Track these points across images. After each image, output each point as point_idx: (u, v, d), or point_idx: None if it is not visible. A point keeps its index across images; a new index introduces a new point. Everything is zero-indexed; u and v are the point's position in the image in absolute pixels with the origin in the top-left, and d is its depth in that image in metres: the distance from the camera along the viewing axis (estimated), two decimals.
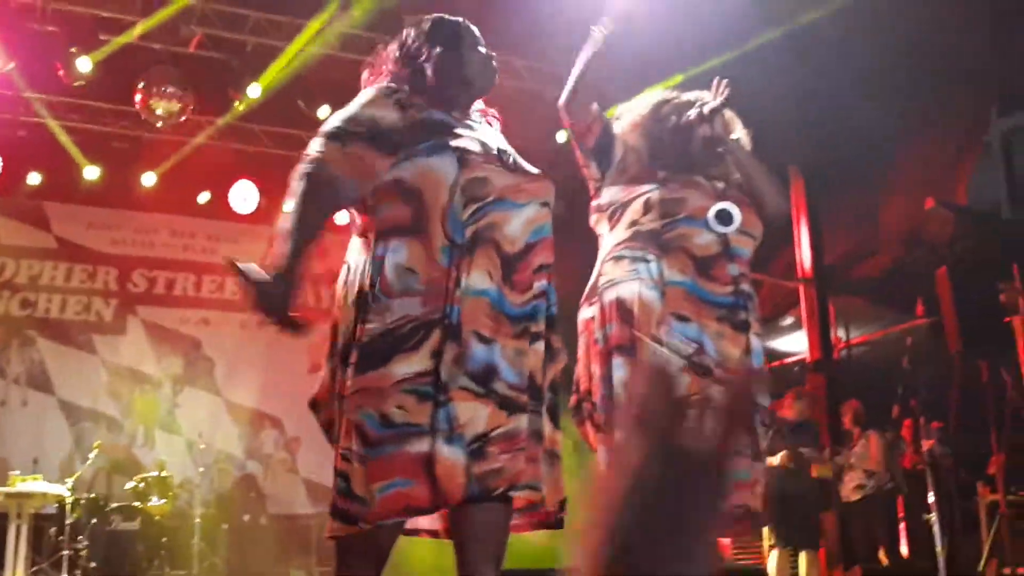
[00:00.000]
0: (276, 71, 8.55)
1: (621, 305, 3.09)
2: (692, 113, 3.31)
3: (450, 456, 2.35)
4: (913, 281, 7.96)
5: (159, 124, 8.95)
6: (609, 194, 3.27)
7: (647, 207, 3.17)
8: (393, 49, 2.84)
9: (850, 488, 7.80)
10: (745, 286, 3.17)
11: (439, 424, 2.36)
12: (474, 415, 2.39)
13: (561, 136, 8.94)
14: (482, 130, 2.74)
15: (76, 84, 8.45)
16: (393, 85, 2.70)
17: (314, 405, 2.59)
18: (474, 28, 2.87)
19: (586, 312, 3.20)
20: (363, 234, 2.60)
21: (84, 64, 8.09)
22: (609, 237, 3.23)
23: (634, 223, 3.18)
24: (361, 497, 2.37)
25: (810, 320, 9.14)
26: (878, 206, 8.68)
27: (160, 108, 8.75)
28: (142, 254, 11.17)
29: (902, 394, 8.02)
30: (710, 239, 3.15)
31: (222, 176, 10.51)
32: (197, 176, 10.53)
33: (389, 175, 2.53)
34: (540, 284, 2.56)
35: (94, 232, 10.95)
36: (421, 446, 2.36)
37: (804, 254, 9.14)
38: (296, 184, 2.52)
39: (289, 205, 2.52)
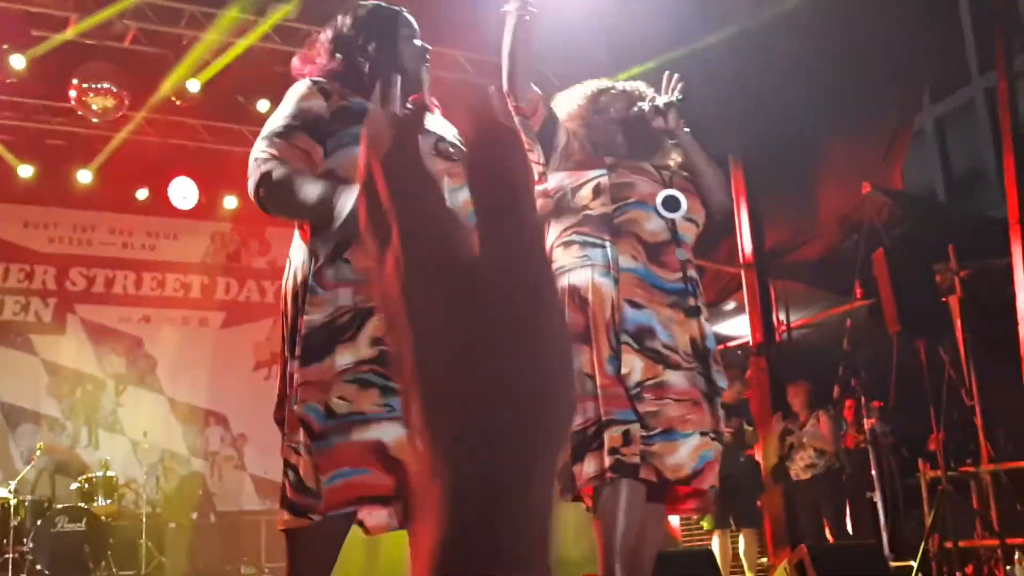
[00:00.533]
0: (215, 67, 8.48)
1: (574, 292, 3.10)
2: (644, 105, 3.33)
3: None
4: (851, 264, 8.08)
5: (95, 120, 8.83)
6: (555, 179, 3.26)
7: (597, 191, 3.18)
8: (326, 38, 2.81)
9: (800, 467, 7.91)
10: (692, 272, 3.21)
11: (399, 411, 2.33)
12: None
13: None
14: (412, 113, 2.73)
15: (8, 81, 8.30)
16: (320, 78, 2.68)
17: (279, 407, 2.55)
18: (410, 18, 2.85)
19: None
20: (301, 227, 2.60)
21: (18, 61, 7.96)
22: (556, 223, 3.24)
23: (584, 207, 3.18)
24: (310, 489, 2.38)
25: (752, 304, 9.25)
26: (816, 192, 8.80)
27: (96, 104, 8.64)
28: (80, 252, 11.01)
29: (843, 375, 8.16)
30: (659, 225, 3.17)
31: (160, 172, 10.39)
32: (134, 172, 10.40)
33: (323, 166, 2.53)
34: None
35: (30, 231, 10.78)
36: (368, 434, 2.35)
37: (745, 240, 9.25)
38: (262, 192, 2.49)
39: (273, 210, 2.53)
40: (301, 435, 2.40)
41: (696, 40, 7.47)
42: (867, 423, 7.85)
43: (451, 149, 2.63)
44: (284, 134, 2.54)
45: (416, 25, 2.85)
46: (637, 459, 2.96)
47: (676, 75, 3.37)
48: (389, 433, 2.35)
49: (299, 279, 2.51)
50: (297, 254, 2.57)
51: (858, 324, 8.21)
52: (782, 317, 9.44)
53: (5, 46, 7.83)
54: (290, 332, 2.50)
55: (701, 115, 3.44)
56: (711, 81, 7.66)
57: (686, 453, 3.03)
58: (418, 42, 2.82)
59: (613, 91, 3.41)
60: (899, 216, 8.26)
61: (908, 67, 7.84)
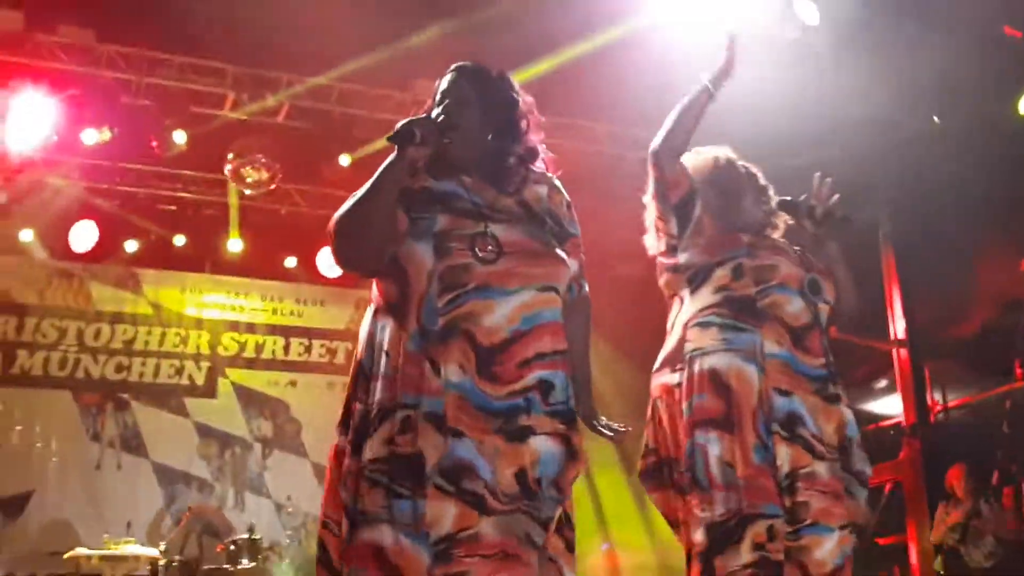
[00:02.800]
0: (370, 148, 8.70)
1: (715, 376, 2.99)
2: (801, 204, 3.23)
3: (412, 552, 2.25)
4: (1010, 343, 7.72)
5: (248, 192, 9.15)
6: (688, 255, 3.17)
7: (738, 272, 3.07)
8: (429, 100, 2.74)
9: (982, 555, 7.48)
10: (831, 357, 3.09)
11: (401, 517, 2.28)
12: (441, 514, 2.27)
13: (646, 197, 8.89)
14: (505, 203, 2.57)
15: (171, 154, 8.69)
16: None
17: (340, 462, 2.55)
18: (448, 76, 2.69)
19: (668, 377, 3.10)
20: (373, 302, 2.57)
21: (180, 137, 8.33)
22: (691, 301, 3.13)
23: (723, 288, 3.08)
24: (337, 571, 2.39)
25: (904, 383, 8.93)
26: (972, 267, 8.46)
27: (250, 176, 8.96)
28: (232, 318, 11.37)
29: (1002, 460, 7.75)
30: (801, 308, 3.07)
31: (309, 241, 10.68)
32: (285, 242, 10.72)
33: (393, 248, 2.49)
34: (530, 377, 2.39)
35: (187, 296, 11.19)
36: (372, 535, 2.30)
37: (897, 316, 8.97)
38: (334, 227, 2.50)
39: (345, 226, 2.50)
40: (337, 514, 2.42)
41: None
42: None
43: (489, 248, 2.44)
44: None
45: (445, 82, 2.69)
46: (782, 556, 2.84)
47: (829, 180, 3.27)
48: (387, 537, 2.28)
49: (357, 358, 2.51)
50: (364, 327, 2.55)
51: (1019, 406, 7.80)
52: (937, 397, 9.06)
53: (168, 122, 8.19)
54: (345, 406, 2.50)
55: (853, 183, 3.32)
56: (865, 151, 7.51)
57: (829, 548, 2.90)
58: (513, 112, 2.67)
59: (741, 163, 3.34)
60: None
61: None
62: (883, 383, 9.55)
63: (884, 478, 8.28)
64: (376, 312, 2.52)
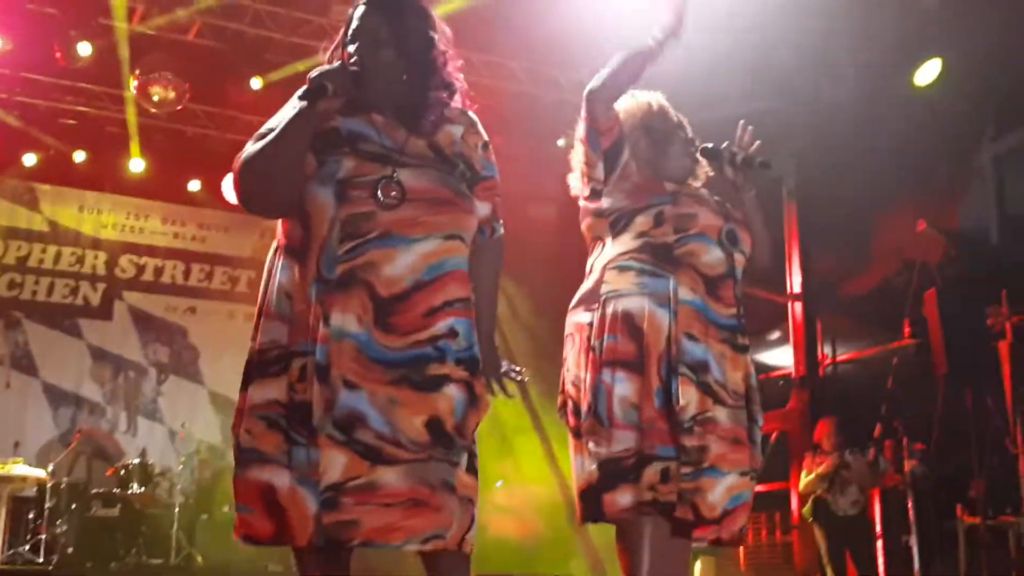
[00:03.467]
0: (282, 72, 8.54)
1: (628, 318, 3.01)
2: (723, 151, 3.26)
3: (301, 499, 2.26)
4: (901, 302, 7.96)
5: (155, 111, 8.92)
6: (611, 200, 3.16)
7: (659, 219, 3.08)
8: (341, 32, 2.63)
9: (847, 502, 7.77)
10: (742, 308, 3.15)
11: (296, 462, 2.28)
12: (331, 463, 2.25)
13: (561, 141, 8.93)
14: (415, 146, 2.48)
15: (76, 66, 8.41)
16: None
17: None
18: (359, 9, 2.57)
19: (581, 316, 3.13)
20: (276, 238, 2.51)
21: (84, 48, 8.06)
22: (612, 245, 3.14)
23: (643, 234, 3.09)
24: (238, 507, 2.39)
25: (797, 336, 9.17)
26: (869, 225, 8.68)
27: (157, 95, 8.73)
28: (132, 240, 11.13)
29: (886, 414, 8.03)
30: (717, 258, 3.10)
31: (215, 165, 10.48)
32: (190, 164, 10.51)
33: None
34: (440, 325, 2.36)
35: (84, 215, 10.92)
36: (261, 474, 2.30)
37: (794, 271, 9.17)
38: (238, 168, 2.42)
39: (248, 173, 2.41)
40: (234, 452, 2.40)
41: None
42: (907, 465, 7.71)
43: (393, 194, 2.37)
44: (263, 138, 2.42)
45: (356, 15, 2.57)
46: (673, 498, 2.91)
47: (751, 128, 3.31)
48: (281, 479, 2.28)
49: (260, 297, 2.47)
50: (267, 262, 2.50)
51: (905, 363, 8.07)
52: (827, 351, 9.33)
53: (73, 33, 7.91)
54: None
55: (760, 139, 3.36)
56: (771, 114, 7.63)
57: (720, 492, 2.98)
58: (356, 44, 2.53)
59: (674, 115, 3.36)
60: (953, 256, 8.12)
61: (974, 99, 7.72)
62: (776, 335, 9.80)
63: (772, 427, 8.53)
64: (277, 251, 2.47)
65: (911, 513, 7.65)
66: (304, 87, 2.36)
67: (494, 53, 8.53)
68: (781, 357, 9.64)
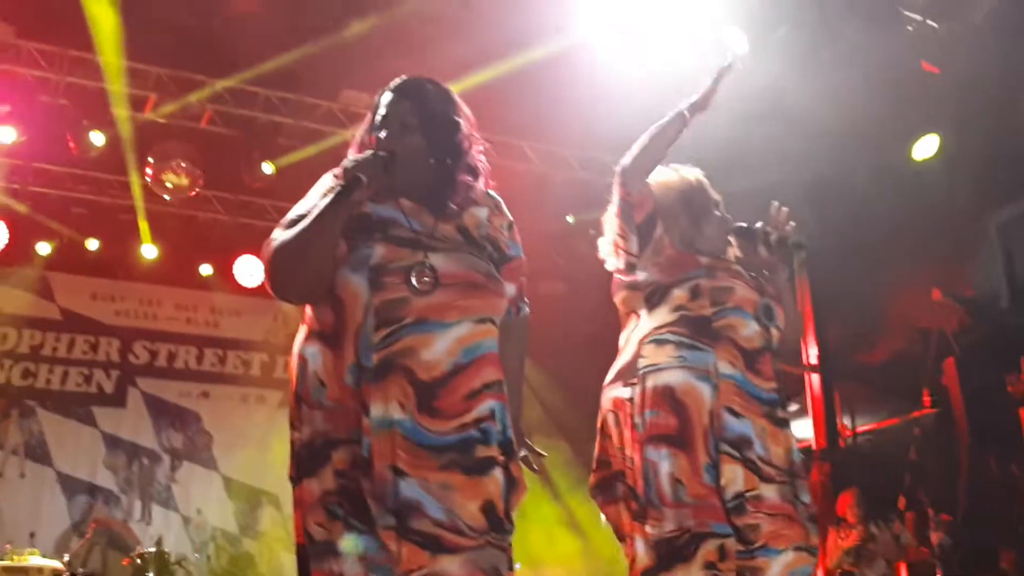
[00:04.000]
0: (293, 156, 8.62)
1: (669, 392, 2.98)
2: (758, 231, 3.25)
3: None
4: (919, 371, 7.91)
5: (168, 197, 8.99)
6: (646, 274, 3.15)
7: (695, 292, 3.08)
8: (367, 119, 2.66)
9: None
10: (781, 382, 3.12)
11: (367, 552, 2.24)
12: (396, 553, 2.22)
13: (570, 218, 8.96)
14: (444, 229, 2.48)
15: (89, 156, 8.49)
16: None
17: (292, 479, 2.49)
18: (388, 97, 2.61)
19: (620, 391, 3.10)
20: (305, 322, 2.49)
21: (97, 138, 8.15)
22: (648, 318, 3.12)
23: (680, 307, 3.08)
24: None
25: (816, 408, 9.09)
26: (881, 295, 8.65)
27: (170, 182, 8.80)
28: (145, 326, 11.15)
29: (909, 485, 7.91)
30: (755, 331, 3.09)
31: (227, 249, 10.53)
32: (201, 249, 10.56)
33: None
34: (483, 407, 2.35)
35: (98, 303, 10.95)
36: (333, 565, 2.26)
37: (809, 343, 9.13)
38: (268, 258, 2.42)
39: (279, 263, 2.41)
40: (305, 542, 2.35)
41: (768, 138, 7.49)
42: (934, 537, 7.57)
43: (426, 279, 2.37)
44: (294, 222, 2.43)
45: (385, 103, 2.60)
46: (733, 575, 2.85)
47: (784, 209, 3.31)
48: (351, 570, 2.25)
49: (292, 382, 2.46)
50: (297, 347, 2.49)
51: (927, 433, 7.98)
52: (847, 422, 9.23)
53: (85, 122, 8.01)
54: (290, 435, 2.44)
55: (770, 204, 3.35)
56: (784, 176, 7.66)
57: (778, 571, 2.91)
58: (382, 132, 2.56)
59: (707, 189, 3.35)
60: (969, 324, 8.08)
61: (971, 174, 7.75)
62: (794, 407, 9.72)
63: (842, 495, 8.38)
64: (308, 336, 2.45)
65: None
66: (338, 177, 2.38)
67: (503, 133, 8.61)
68: (800, 429, 9.55)
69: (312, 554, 2.30)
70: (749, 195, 3.40)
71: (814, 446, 9.06)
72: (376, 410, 2.26)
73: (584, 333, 3.46)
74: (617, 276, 3.24)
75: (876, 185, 7.88)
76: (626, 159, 3.13)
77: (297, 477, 2.36)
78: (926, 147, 7.66)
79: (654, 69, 6.45)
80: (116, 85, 7.96)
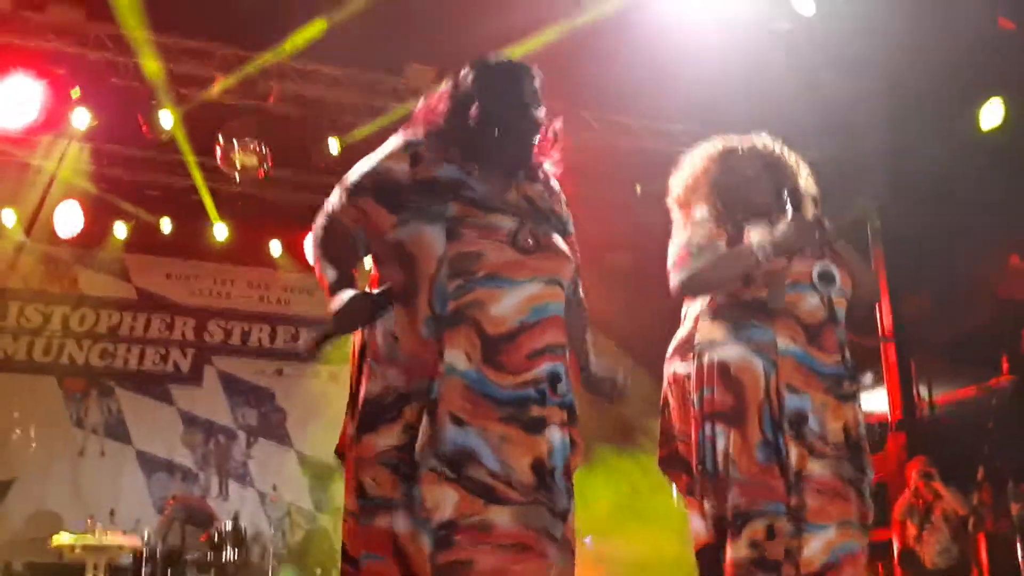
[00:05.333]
0: (360, 132, 8.64)
1: (723, 369, 2.96)
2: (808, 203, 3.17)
3: (415, 539, 2.25)
4: (997, 340, 7.72)
5: (237, 177, 9.07)
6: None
7: (747, 279, 3.02)
8: (447, 88, 2.69)
9: (935, 553, 7.47)
10: (848, 353, 3.04)
11: (411, 502, 2.27)
12: (440, 500, 2.25)
13: (638, 188, 8.90)
14: (511, 196, 2.56)
15: (160, 138, 8.61)
16: (416, 140, 2.58)
17: (340, 455, 2.52)
18: (534, 81, 2.67)
19: (678, 367, 3.08)
20: (369, 286, 2.57)
21: (167, 118, 8.25)
22: (703, 298, 3.11)
23: (734, 291, 3.04)
24: (354, 560, 2.36)
25: (891, 379, 8.94)
26: (956, 263, 8.47)
27: (239, 161, 8.89)
28: (219, 305, 11.31)
29: (987, 455, 7.75)
30: (816, 304, 3.01)
31: (296, 228, 10.61)
32: (271, 228, 10.66)
33: (393, 235, 2.45)
34: (541, 368, 2.40)
35: (172, 283, 11.13)
36: (386, 521, 2.28)
37: (884, 312, 8.98)
38: (313, 235, 2.55)
39: (311, 256, 2.54)
40: (351, 505, 2.38)
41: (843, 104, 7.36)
42: (1014, 507, 7.40)
43: (530, 241, 2.46)
44: (353, 191, 2.52)
45: (538, 87, 2.67)
46: (781, 556, 2.81)
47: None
48: (402, 523, 2.27)
49: (358, 341, 2.50)
50: None
51: (1005, 402, 7.80)
52: (923, 392, 9.07)
53: (155, 103, 8.11)
54: (352, 393, 2.48)
55: (845, 178, 3.28)
56: (855, 142, 7.53)
57: (819, 546, 2.86)
58: (535, 110, 2.63)
59: (741, 150, 3.28)
60: None
61: None
62: (869, 378, 9.57)
63: (910, 463, 8.27)
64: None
65: (1020, 559, 7.34)
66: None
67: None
68: (876, 401, 9.41)
69: (362, 510, 2.33)
70: (825, 163, 3.31)
71: (890, 418, 8.92)
72: (448, 356, 2.31)
73: (651, 306, 3.42)
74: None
75: (948, 151, 7.70)
76: (683, 276, 3.03)
77: (359, 433, 2.38)
78: (993, 113, 7.45)
79: (718, 33, 6.35)
80: (183, 66, 8.05)
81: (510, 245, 2.42)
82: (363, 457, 2.35)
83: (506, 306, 2.38)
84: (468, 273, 2.36)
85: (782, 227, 2.99)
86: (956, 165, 7.62)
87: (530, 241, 2.45)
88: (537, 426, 2.36)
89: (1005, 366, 7.79)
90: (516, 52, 6.19)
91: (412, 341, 2.37)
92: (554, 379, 2.41)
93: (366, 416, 2.38)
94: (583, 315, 2.72)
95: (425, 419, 2.28)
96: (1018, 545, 7.34)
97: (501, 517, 2.28)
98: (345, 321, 2.42)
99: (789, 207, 3.05)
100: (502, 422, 2.32)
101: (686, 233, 3.12)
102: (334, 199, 2.53)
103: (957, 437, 8.43)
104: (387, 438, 2.32)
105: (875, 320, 8.99)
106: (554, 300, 2.47)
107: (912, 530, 7.59)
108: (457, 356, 2.32)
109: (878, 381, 9.21)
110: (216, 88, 8.23)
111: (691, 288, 3.07)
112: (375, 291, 2.47)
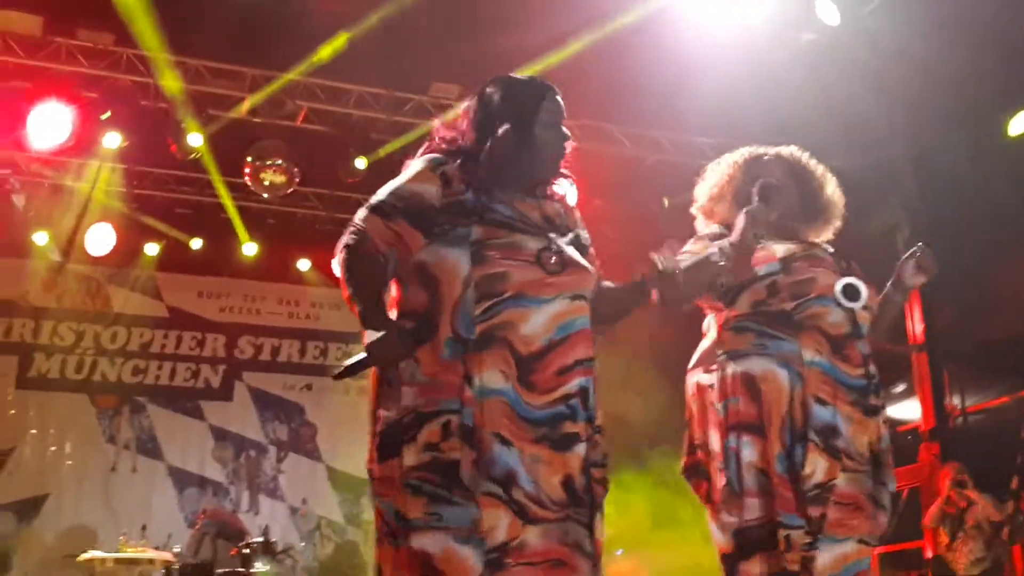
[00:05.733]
0: (385, 149, 8.70)
1: (748, 380, 2.96)
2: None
3: (464, 559, 2.25)
4: None
5: (266, 195, 9.14)
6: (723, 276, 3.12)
7: (773, 290, 3.04)
8: (471, 107, 2.71)
9: (969, 561, 7.40)
10: (873, 367, 3.03)
11: (455, 523, 2.26)
12: (497, 523, 2.27)
13: (665, 200, 8.89)
14: (534, 215, 2.58)
15: (189, 158, 8.68)
16: (440, 157, 2.59)
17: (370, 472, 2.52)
18: (558, 99, 2.69)
19: (702, 377, 3.07)
20: (390, 310, 2.56)
21: (195, 139, 8.32)
22: (727, 308, 3.10)
23: (759, 303, 3.05)
24: None
25: (923, 387, 8.88)
26: (989, 270, 8.40)
27: (268, 180, 8.95)
28: (249, 321, 11.38)
29: (1022, 464, 7.68)
30: (840, 317, 3.02)
31: (324, 244, 10.66)
32: (300, 245, 10.73)
33: (418, 256, 2.47)
34: (572, 384, 2.42)
35: (204, 300, 11.22)
36: (417, 543, 2.29)
37: (915, 319, 8.92)
38: (342, 256, 2.49)
39: (341, 275, 2.49)
40: (382, 528, 2.39)
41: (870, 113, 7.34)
42: None
43: (553, 260, 2.48)
44: (385, 212, 2.49)
45: (562, 106, 2.69)
46: (797, 567, 2.81)
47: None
48: (435, 544, 2.27)
49: (379, 370, 2.50)
50: None
51: None
52: (956, 401, 8.99)
53: (184, 124, 8.19)
54: (371, 414, 2.49)
55: (875, 186, 3.28)
56: (883, 152, 7.49)
57: (831, 559, 2.86)
58: (558, 129, 2.66)
59: (766, 158, 3.28)
60: None
61: None
62: (901, 387, 9.50)
63: (902, 483, 8.22)
64: (398, 318, 2.51)
65: None
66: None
67: (593, 117, 8.56)
68: (908, 410, 9.34)
69: (392, 532, 2.34)
70: (851, 173, 3.30)
71: (922, 426, 8.86)
72: (481, 379, 2.32)
73: (680, 319, 3.43)
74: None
75: (976, 159, 7.65)
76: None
77: (382, 455, 2.39)
78: (1021, 122, 7.39)
79: (742, 44, 6.35)
80: (210, 87, 8.14)
81: (535, 264, 2.44)
82: (388, 479, 2.37)
83: (535, 325, 2.40)
84: (495, 295, 2.39)
85: (738, 223, 2.99)
86: (986, 173, 7.58)
87: (553, 260, 2.47)
88: (568, 443, 2.38)
89: None
90: (537, 68, 6.23)
91: (433, 363, 2.37)
92: (584, 393, 2.43)
93: (387, 439, 2.39)
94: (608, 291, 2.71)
95: (465, 446, 2.28)
96: None
97: (531, 536, 2.30)
98: (381, 355, 2.40)
99: (755, 198, 3.03)
100: (536, 443, 2.34)
101: (687, 246, 3.13)
102: (366, 221, 2.50)
103: (990, 446, 8.37)
104: (408, 459, 2.33)
105: (907, 329, 8.93)
106: (580, 315, 2.49)
107: (944, 538, 7.53)
108: (494, 376, 2.33)
109: (910, 390, 9.14)
110: (244, 107, 8.30)
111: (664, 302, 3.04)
112: (410, 327, 2.45)
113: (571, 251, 2.56)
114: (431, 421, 2.33)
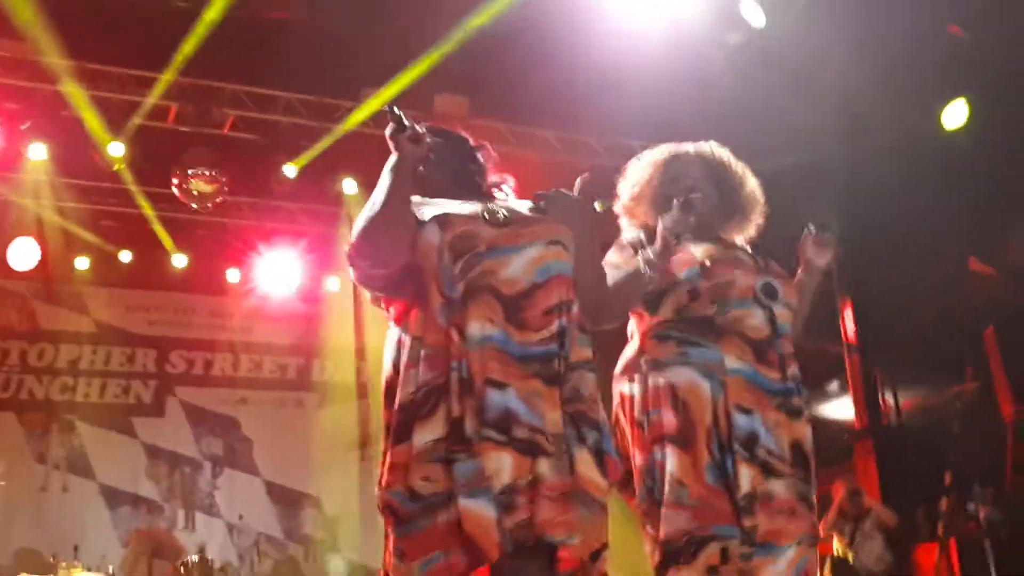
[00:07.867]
0: (312, 153, 8.61)
1: (671, 390, 2.91)
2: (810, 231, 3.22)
3: (478, 511, 2.26)
4: (959, 344, 7.76)
5: (195, 205, 8.99)
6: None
7: (694, 295, 2.99)
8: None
9: (871, 559, 7.49)
10: (794, 368, 3.01)
11: (459, 480, 2.29)
12: (499, 466, 2.30)
13: (598, 205, 8.89)
14: (477, 201, 2.70)
15: (113, 169, 8.53)
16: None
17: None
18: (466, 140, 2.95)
19: (625, 387, 3.03)
20: (390, 322, 2.64)
21: (116, 149, 8.16)
22: (650, 315, 3.07)
23: (681, 308, 2.99)
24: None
25: (856, 386, 8.97)
26: (918, 267, 8.52)
27: (196, 189, 8.81)
28: (180, 335, 11.19)
29: (954, 460, 7.78)
30: (761, 320, 2.97)
31: (256, 254, 10.54)
32: (231, 256, 10.58)
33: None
34: (556, 324, 2.47)
35: (132, 314, 11.01)
36: (449, 514, 2.30)
37: (847, 319, 9.02)
38: (358, 231, 2.54)
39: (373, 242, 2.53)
40: (391, 524, 2.37)
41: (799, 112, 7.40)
42: (981, 511, 7.43)
43: (500, 215, 2.58)
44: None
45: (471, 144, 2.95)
46: None
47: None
48: (452, 511, 2.29)
49: (388, 371, 2.54)
50: (388, 348, 2.59)
51: (969, 406, 7.84)
52: (888, 399, 9.11)
53: (111, 136, 8.04)
54: (385, 426, 2.50)
55: (806, 189, 3.29)
56: (813, 150, 7.56)
57: (783, 567, 2.84)
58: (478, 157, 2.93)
59: (686, 157, 3.26)
60: (1009, 292, 7.93)
61: (1005, 141, 7.60)
62: (834, 385, 9.60)
63: (836, 482, 8.31)
64: (395, 324, 2.60)
65: (991, 562, 7.37)
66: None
67: (526, 123, 8.55)
68: (841, 409, 9.43)
69: (421, 512, 2.33)
70: (785, 171, 3.30)
71: (856, 424, 8.95)
72: (470, 330, 2.38)
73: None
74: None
75: (907, 156, 7.75)
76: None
77: (393, 442, 2.40)
78: (956, 114, 7.49)
79: (669, 45, 6.37)
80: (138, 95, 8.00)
81: (487, 224, 2.53)
82: (405, 462, 2.36)
83: (515, 268, 2.48)
84: (469, 250, 2.47)
85: (658, 238, 2.97)
86: (917, 168, 7.67)
87: (500, 215, 2.58)
88: (558, 379, 2.43)
89: (969, 370, 7.84)
90: (465, 72, 6.18)
91: (433, 333, 2.43)
92: (563, 333, 2.48)
93: (400, 424, 2.40)
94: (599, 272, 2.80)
95: (464, 398, 2.33)
96: (987, 547, 7.39)
97: (544, 469, 2.33)
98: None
99: (675, 203, 3.02)
100: (531, 378, 2.39)
101: (610, 255, 3.09)
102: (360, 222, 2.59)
103: (923, 443, 8.47)
104: (427, 433, 2.35)
105: (839, 327, 9.02)
106: (558, 259, 2.55)
107: (843, 540, 7.62)
108: (479, 324, 2.39)
109: (843, 389, 9.23)
110: (171, 118, 8.18)
111: (596, 319, 2.99)
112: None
113: (516, 206, 2.69)
114: (445, 389, 2.37)
